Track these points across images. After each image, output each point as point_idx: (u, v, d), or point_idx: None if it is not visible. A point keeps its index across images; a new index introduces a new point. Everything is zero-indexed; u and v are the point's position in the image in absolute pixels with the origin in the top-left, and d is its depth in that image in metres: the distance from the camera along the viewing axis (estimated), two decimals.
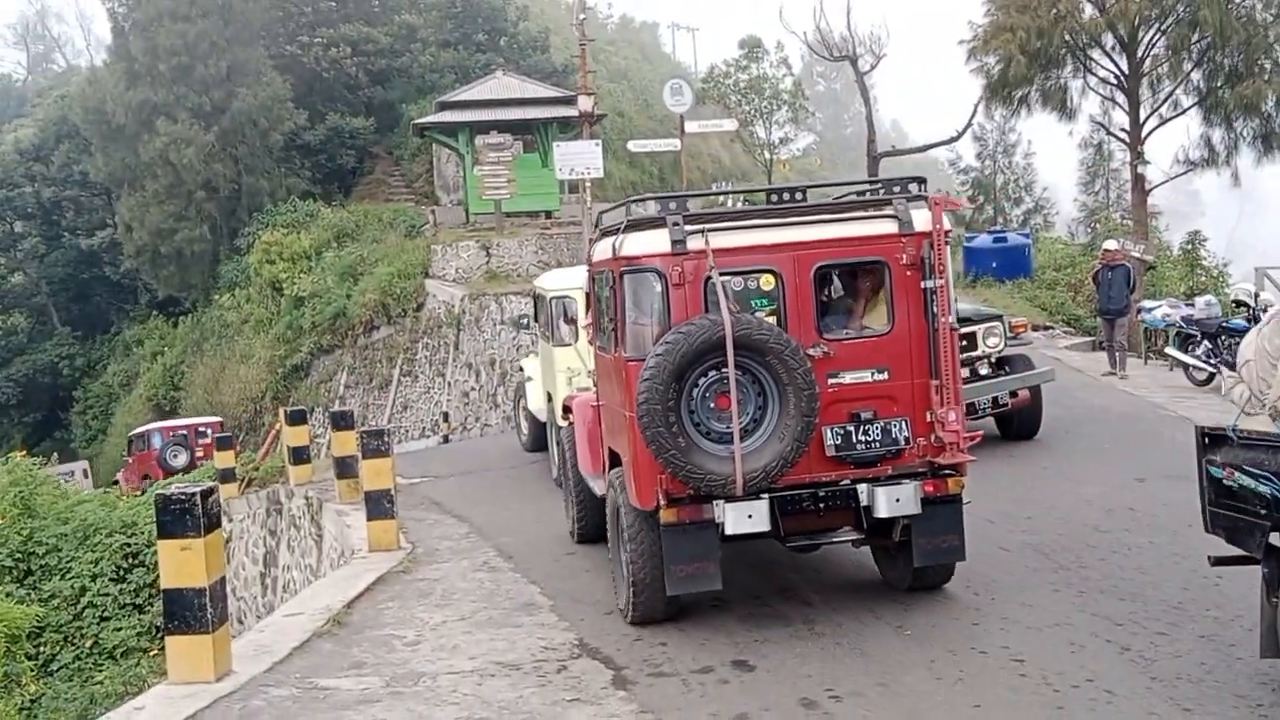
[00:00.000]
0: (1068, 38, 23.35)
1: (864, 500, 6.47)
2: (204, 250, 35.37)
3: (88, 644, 15.04)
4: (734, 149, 66.16)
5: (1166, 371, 15.99)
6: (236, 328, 32.32)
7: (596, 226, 7.96)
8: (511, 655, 6.53)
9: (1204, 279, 22.63)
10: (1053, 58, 23.79)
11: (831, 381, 6.43)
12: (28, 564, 15.48)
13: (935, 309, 6.44)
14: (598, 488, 8.02)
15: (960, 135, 32.42)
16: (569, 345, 11.18)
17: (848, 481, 6.51)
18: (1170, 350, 15.47)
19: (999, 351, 11.32)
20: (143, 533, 15.61)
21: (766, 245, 6.51)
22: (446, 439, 20.70)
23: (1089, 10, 23.61)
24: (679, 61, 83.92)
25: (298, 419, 14.61)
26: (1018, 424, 11.61)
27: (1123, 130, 24.61)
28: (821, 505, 6.65)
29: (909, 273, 6.49)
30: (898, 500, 6.36)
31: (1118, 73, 23.93)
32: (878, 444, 6.42)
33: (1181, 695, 5.33)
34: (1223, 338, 14.40)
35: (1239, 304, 14.79)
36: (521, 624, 7.15)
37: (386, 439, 9.46)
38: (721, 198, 20.14)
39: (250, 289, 32.30)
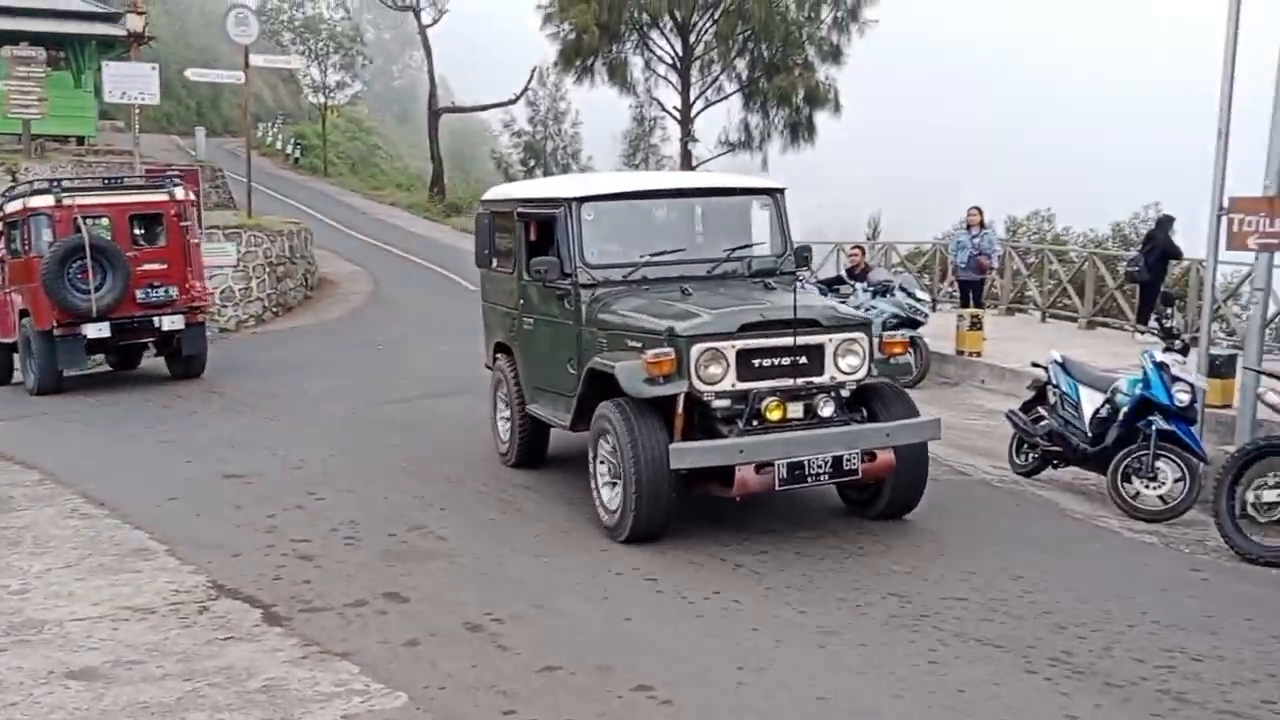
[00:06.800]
0: (633, 14, 24.76)
1: (157, 324, 13.39)
2: None
3: None
4: (278, 89, 63.25)
5: None
6: None
7: (6, 194, 14.57)
8: (140, 600, 6.05)
9: None
10: (617, 33, 25.13)
11: (140, 268, 13.23)
12: None
13: (188, 236, 13.74)
14: (9, 340, 14.29)
15: (517, 99, 33.44)
16: None
17: (149, 315, 13.34)
18: None
19: (857, 378, 6.98)
20: None
21: (103, 204, 13.55)
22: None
23: None
24: None
25: None
26: (887, 499, 7.17)
27: (675, 109, 26.55)
28: (137, 326, 13.40)
29: (175, 218, 13.69)
30: (173, 322, 13.43)
31: (673, 54, 25.76)
32: (162, 297, 13.43)
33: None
34: None
35: None
36: (140, 569, 6.63)
37: None
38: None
39: None
